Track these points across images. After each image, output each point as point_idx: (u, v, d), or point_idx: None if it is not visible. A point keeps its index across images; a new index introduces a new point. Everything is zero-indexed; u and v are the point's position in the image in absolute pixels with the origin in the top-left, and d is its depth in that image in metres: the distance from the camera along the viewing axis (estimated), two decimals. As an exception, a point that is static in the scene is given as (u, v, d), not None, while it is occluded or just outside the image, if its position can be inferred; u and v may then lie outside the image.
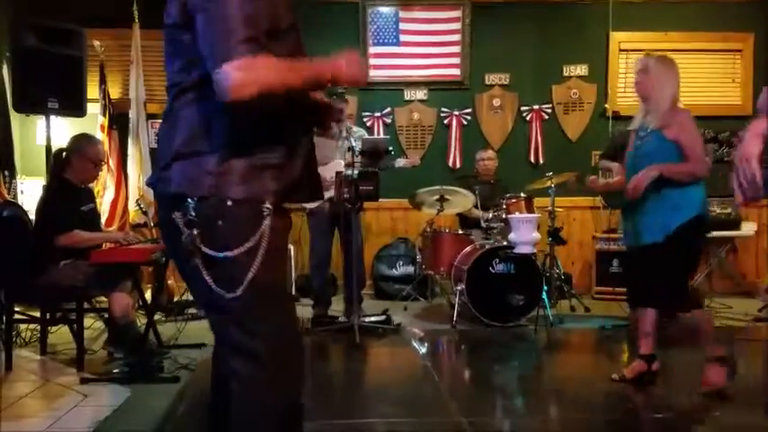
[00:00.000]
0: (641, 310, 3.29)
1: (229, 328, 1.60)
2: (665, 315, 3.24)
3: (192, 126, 1.59)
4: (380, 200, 4.52)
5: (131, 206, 5.70)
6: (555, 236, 4.96)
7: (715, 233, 5.27)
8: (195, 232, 1.54)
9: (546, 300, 4.74)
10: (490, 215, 5.07)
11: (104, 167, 4.94)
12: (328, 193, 4.66)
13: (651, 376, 3.26)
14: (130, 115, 5.87)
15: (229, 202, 1.54)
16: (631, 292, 3.45)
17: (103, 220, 5.39)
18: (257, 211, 1.56)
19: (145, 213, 5.31)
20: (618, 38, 6.38)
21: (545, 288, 4.73)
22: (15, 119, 5.42)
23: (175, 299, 5.37)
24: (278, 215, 1.59)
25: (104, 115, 5.76)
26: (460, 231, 5.40)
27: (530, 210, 4.91)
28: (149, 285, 4.95)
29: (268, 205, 1.56)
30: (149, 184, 1.69)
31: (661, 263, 3.05)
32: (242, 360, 1.59)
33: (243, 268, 1.54)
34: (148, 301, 4.13)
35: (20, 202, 4.88)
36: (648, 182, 3.02)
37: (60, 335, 4.15)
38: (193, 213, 1.54)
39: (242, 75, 1.46)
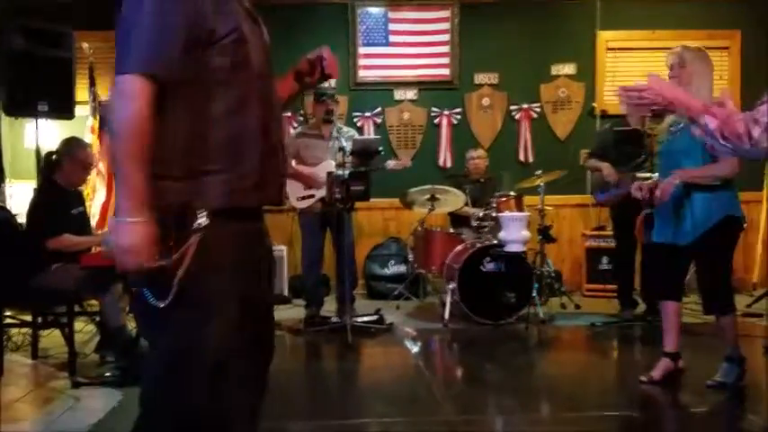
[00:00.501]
0: (663, 304, 3.29)
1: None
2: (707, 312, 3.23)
3: None
4: (372, 199, 4.53)
5: (122, 209, 5.68)
6: (545, 234, 4.99)
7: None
8: None
9: (536, 297, 4.77)
10: (481, 214, 5.10)
11: (94, 170, 4.92)
12: (320, 194, 4.68)
13: (678, 375, 3.22)
14: (120, 117, 5.84)
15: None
16: (654, 284, 3.42)
17: (94, 222, 5.37)
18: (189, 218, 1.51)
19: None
20: (605, 37, 6.42)
21: (536, 286, 4.76)
22: (4, 122, 5.40)
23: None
24: (225, 223, 1.54)
25: (94, 117, 5.74)
26: (452, 230, 5.43)
27: (520, 208, 4.94)
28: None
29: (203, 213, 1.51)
30: None
31: (700, 266, 3.11)
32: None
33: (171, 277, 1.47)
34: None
35: (9, 206, 4.86)
36: (672, 189, 3.03)
37: (52, 339, 4.13)
38: None
39: (122, 87, 1.46)
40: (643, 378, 3.23)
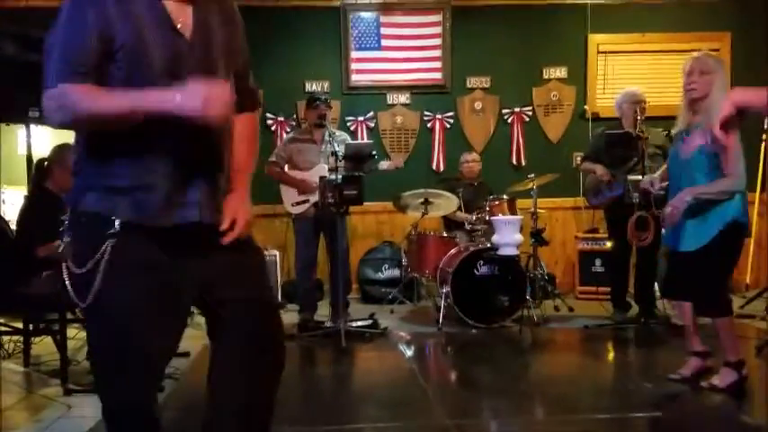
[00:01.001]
0: (681, 305, 3.32)
1: None
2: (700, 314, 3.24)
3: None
4: (365, 203, 4.54)
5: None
6: (538, 237, 5.01)
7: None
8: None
9: (530, 300, 4.78)
10: (474, 217, 5.11)
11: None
12: (314, 198, 4.68)
13: (708, 373, 3.23)
14: (112, 123, 5.83)
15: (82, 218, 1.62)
16: (666, 284, 3.43)
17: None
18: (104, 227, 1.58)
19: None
20: (596, 40, 6.45)
21: (529, 289, 4.77)
22: (-5, 128, 5.37)
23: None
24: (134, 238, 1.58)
25: (85, 123, 5.72)
26: (445, 234, 5.44)
27: (513, 211, 4.95)
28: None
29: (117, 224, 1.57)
30: None
31: (698, 270, 3.08)
32: None
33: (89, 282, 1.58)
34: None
35: (2, 213, 4.84)
36: (684, 207, 3.03)
37: (44, 346, 4.11)
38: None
39: (50, 103, 1.55)
40: (673, 376, 3.27)
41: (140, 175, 1.59)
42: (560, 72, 6.48)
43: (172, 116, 1.52)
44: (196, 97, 1.50)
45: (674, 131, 3.40)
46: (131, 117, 1.52)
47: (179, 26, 1.64)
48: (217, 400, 1.77)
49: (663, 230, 3.37)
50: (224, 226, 1.67)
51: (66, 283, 1.63)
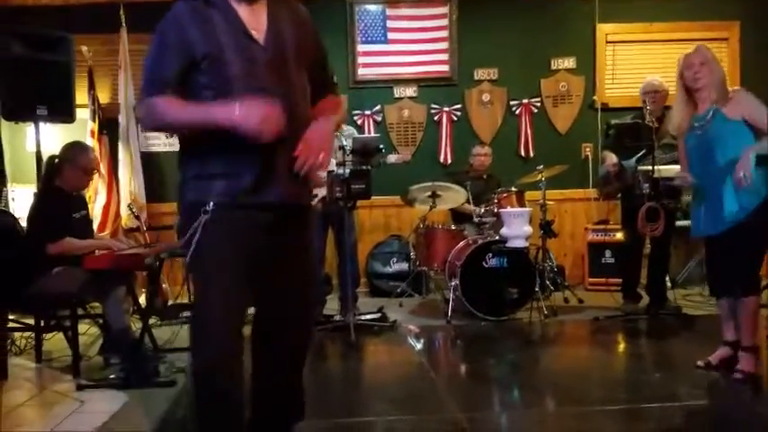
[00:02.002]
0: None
1: None
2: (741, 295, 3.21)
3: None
4: (373, 197, 4.53)
5: (123, 211, 5.70)
6: (547, 229, 4.98)
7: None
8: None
9: (539, 293, 4.77)
10: (482, 210, 5.10)
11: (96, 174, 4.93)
12: (322, 193, 4.67)
13: (735, 363, 3.22)
14: (120, 120, 5.86)
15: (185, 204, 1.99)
16: (713, 281, 3.39)
17: (96, 225, 5.38)
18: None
19: (137, 218, 5.32)
20: (604, 30, 6.40)
21: (538, 281, 4.76)
22: (4, 127, 5.40)
23: (170, 303, 5.37)
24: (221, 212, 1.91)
25: (94, 121, 5.75)
26: (453, 227, 5.42)
27: (521, 204, 4.94)
28: (143, 290, 4.96)
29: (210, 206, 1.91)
30: None
31: (739, 245, 3.12)
32: None
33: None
34: (143, 306, 4.13)
35: (11, 210, 4.87)
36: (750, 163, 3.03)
37: (55, 342, 4.14)
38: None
39: (140, 112, 2.01)
40: (700, 363, 3.30)
41: (231, 165, 1.91)
42: (569, 63, 6.44)
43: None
44: (252, 116, 1.80)
45: (673, 126, 3.47)
46: (202, 126, 1.88)
47: (253, 32, 1.93)
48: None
49: (676, 223, 3.37)
50: (297, 151, 1.91)
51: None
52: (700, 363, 3.31)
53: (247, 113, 1.80)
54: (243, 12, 1.93)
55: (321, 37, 2.16)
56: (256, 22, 1.94)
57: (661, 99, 4.60)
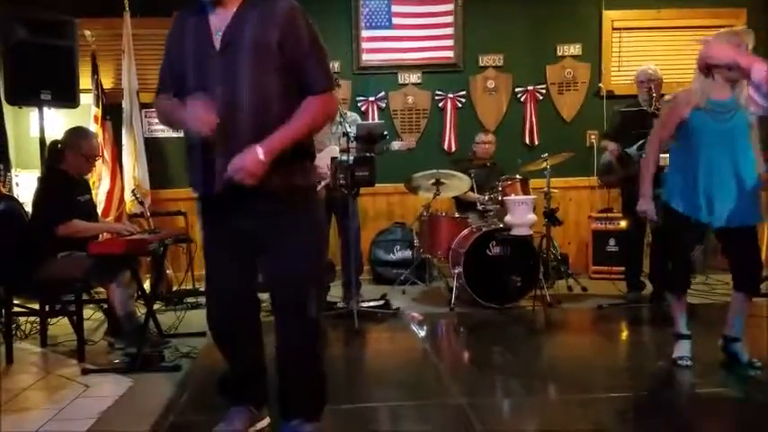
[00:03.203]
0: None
1: None
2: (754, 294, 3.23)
3: None
4: (377, 185, 4.52)
5: (127, 196, 5.70)
6: (551, 217, 4.97)
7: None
8: None
9: (543, 281, 4.76)
10: (486, 198, 5.09)
11: (99, 159, 4.92)
12: (324, 180, 4.66)
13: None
14: (124, 105, 5.85)
15: None
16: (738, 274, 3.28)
17: (100, 210, 5.38)
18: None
19: (141, 203, 5.32)
20: (611, 16, 6.35)
21: (542, 269, 4.75)
22: (8, 111, 5.39)
23: (174, 288, 5.39)
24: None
25: (98, 106, 5.74)
26: (457, 215, 5.42)
27: (525, 191, 4.92)
28: (148, 275, 4.97)
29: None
30: None
31: (755, 242, 3.12)
32: None
33: None
34: (147, 291, 4.14)
35: (15, 195, 4.87)
36: None
37: (60, 327, 4.16)
38: None
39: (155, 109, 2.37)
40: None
41: (190, 160, 2.26)
42: (574, 49, 6.40)
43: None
44: (191, 116, 2.07)
45: (700, 102, 3.16)
46: (181, 125, 2.19)
47: (216, 35, 2.13)
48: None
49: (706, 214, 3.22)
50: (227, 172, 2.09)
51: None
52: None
53: (188, 114, 2.07)
54: (213, 17, 2.15)
55: (314, 36, 2.22)
56: (221, 24, 2.13)
57: (656, 87, 4.56)
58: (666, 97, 3.59)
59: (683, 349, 3.27)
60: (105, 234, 3.91)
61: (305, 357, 2.33)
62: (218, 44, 2.12)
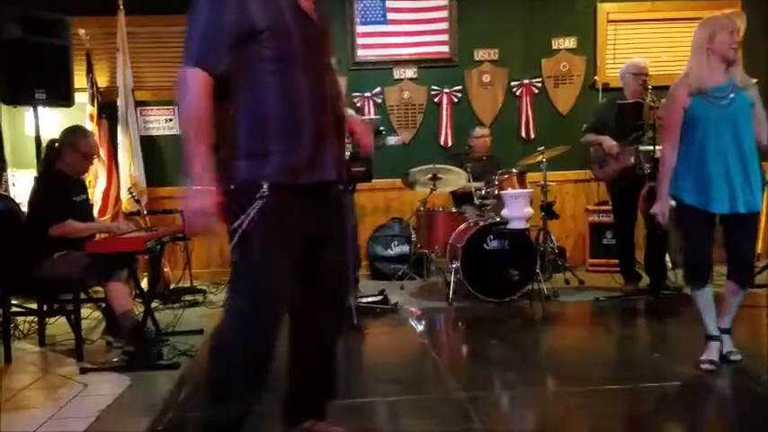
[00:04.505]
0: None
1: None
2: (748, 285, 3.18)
3: None
4: (374, 180, 4.51)
5: (123, 195, 5.69)
6: (548, 210, 4.98)
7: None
8: None
9: (540, 274, 4.77)
10: (483, 192, 5.09)
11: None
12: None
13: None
14: (119, 103, 5.84)
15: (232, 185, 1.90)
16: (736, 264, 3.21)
17: (96, 209, 5.38)
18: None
19: (137, 201, 5.31)
20: (605, 9, 6.35)
21: (539, 262, 4.76)
22: (3, 111, 5.39)
23: (172, 286, 5.39)
24: (278, 195, 1.88)
25: (93, 104, 5.73)
26: (454, 209, 5.42)
27: (522, 185, 4.93)
28: (145, 274, 4.97)
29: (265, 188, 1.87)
30: None
31: (756, 230, 3.12)
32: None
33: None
34: (145, 290, 4.14)
35: (11, 195, 4.86)
36: None
37: (58, 326, 4.16)
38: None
39: (180, 81, 1.83)
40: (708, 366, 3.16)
41: (286, 141, 1.88)
42: (570, 42, 6.40)
43: (310, 84, 1.91)
44: (192, 205, 1.82)
45: (701, 85, 3.09)
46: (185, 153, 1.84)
47: (305, 10, 1.93)
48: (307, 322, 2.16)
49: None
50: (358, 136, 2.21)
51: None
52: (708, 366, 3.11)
53: (193, 197, 1.82)
54: None
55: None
56: (306, 1, 1.96)
57: (648, 79, 4.57)
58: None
59: (709, 351, 3.14)
60: (101, 233, 3.90)
61: (336, 349, 2.29)
62: (315, 21, 1.98)
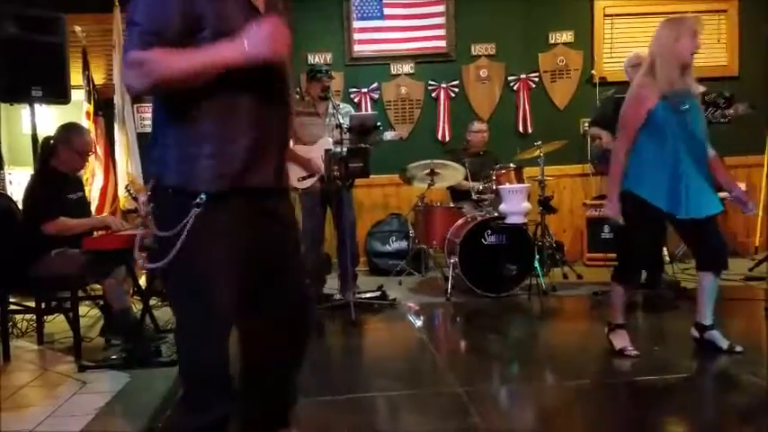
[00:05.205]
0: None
1: None
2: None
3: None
4: (372, 176, 4.52)
5: (121, 192, 5.68)
6: (545, 205, 4.98)
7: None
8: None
9: (538, 269, 4.78)
10: (481, 187, 5.09)
11: (92, 155, 4.90)
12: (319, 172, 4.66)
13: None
14: (115, 101, 5.82)
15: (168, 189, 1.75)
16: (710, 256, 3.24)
17: (93, 207, 5.37)
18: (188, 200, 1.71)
19: (135, 199, 5.28)
20: (602, 3, 6.35)
21: (537, 257, 4.76)
22: (0, 109, 5.37)
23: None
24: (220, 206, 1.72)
25: (89, 102, 5.71)
26: (452, 204, 5.42)
27: (520, 180, 4.93)
28: (143, 271, 4.96)
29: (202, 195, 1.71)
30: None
31: (717, 225, 3.15)
32: None
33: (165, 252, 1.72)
34: (143, 287, 4.13)
35: (9, 193, 4.86)
36: None
37: (56, 324, 4.16)
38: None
39: (130, 71, 1.64)
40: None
41: (224, 145, 1.72)
42: (566, 37, 6.40)
43: (252, 86, 1.71)
44: (262, 38, 1.62)
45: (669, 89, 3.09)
46: (205, 73, 1.63)
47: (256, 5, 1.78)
48: (257, 355, 1.97)
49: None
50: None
51: (141, 244, 1.85)
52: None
53: (256, 37, 1.62)
54: None
55: None
56: None
57: None
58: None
59: (623, 340, 3.27)
60: (96, 230, 3.89)
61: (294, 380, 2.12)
62: (263, 15, 1.77)
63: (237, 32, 1.65)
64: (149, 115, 6.12)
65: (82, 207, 3.97)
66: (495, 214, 4.79)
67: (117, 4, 5.76)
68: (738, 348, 3.14)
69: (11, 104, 5.17)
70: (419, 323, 4.25)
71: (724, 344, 3.17)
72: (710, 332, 3.22)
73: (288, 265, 1.94)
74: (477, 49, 6.39)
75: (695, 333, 3.27)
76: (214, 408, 1.82)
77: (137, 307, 3.86)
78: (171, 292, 1.90)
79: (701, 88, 3.17)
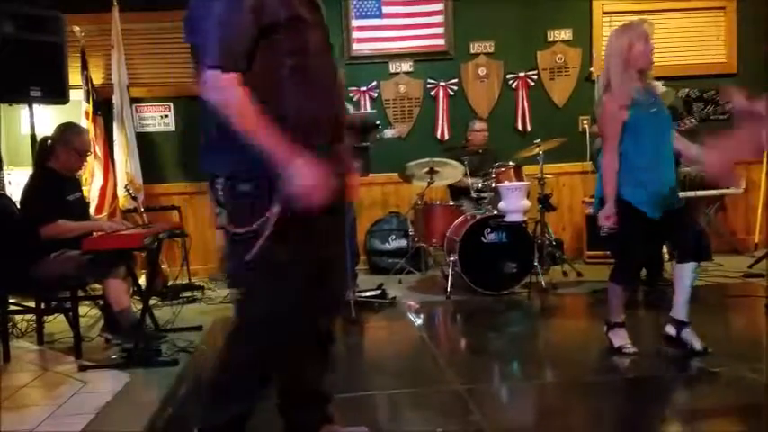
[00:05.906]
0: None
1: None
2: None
3: None
4: (371, 174, 4.52)
5: (120, 192, 5.68)
6: (545, 203, 4.98)
7: (704, 192, 5.33)
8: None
9: (538, 266, 4.78)
10: (480, 185, 5.09)
11: (91, 155, 4.90)
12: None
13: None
14: (114, 100, 5.82)
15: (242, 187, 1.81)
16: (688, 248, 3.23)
17: (93, 207, 5.37)
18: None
19: (134, 199, 5.30)
20: (601, 0, 6.35)
21: (537, 255, 4.77)
22: (0, 108, 5.37)
23: (170, 283, 5.39)
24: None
25: (88, 101, 5.71)
26: (451, 203, 5.42)
27: (519, 178, 4.93)
28: (143, 270, 4.96)
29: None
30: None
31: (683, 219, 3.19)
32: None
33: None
34: (143, 287, 4.13)
35: (8, 194, 4.85)
36: None
37: (57, 324, 4.16)
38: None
39: (211, 86, 1.71)
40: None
41: (310, 138, 1.79)
42: (565, 34, 6.39)
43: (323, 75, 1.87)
44: (307, 182, 1.69)
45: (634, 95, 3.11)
46: (259, 147, 1.69)
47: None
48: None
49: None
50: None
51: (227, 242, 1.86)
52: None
53: (305, 176, 1.69)
54: None
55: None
56: None
57: None
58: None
59: (621, 338, 3.27)
60: (96, 231, 3.89)
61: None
62: (323, 19, 1.94)
63: (309, 31, 1.81)
64: (148, 115, 6.14)
65: (81, 208, 3.97)
66: (495, 212, 4.79)
67: (115, 3, 5.76)
68: (709, 349, 3.10)
69: (9, 104, 5.17)
70: (419, 321, 4.25)
71: (698, 345, 3.12)
72: (685, 330, 3.16)
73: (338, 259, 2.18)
74: (475, 47, 6.38)
75: (671, 331, 3.20)
76: (255, 395, 1.92)
77: (137, 307, 3.86)
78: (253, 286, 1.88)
79: (663, 88, 3.19)
